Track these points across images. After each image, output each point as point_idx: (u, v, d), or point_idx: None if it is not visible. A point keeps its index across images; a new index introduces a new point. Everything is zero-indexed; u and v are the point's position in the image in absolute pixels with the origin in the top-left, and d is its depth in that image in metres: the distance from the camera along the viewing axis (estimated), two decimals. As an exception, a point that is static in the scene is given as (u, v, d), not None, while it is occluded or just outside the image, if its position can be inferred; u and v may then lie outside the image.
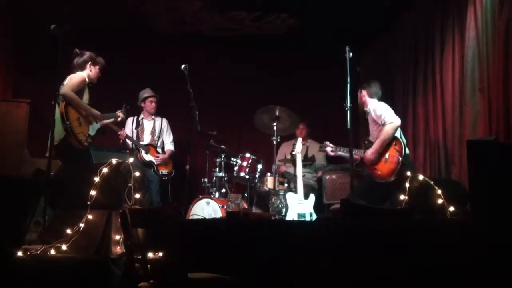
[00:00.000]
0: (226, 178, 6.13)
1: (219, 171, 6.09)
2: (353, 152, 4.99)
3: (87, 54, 4.91)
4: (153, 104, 6.55)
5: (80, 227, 3.63)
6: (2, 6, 6.23)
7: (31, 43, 6.75)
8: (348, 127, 4.70)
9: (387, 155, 4.81)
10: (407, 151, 4.91)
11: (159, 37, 7.26)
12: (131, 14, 6.68)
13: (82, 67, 4.85)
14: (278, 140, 5.79)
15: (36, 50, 6.64)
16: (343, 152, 5.24)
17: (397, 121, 4.81)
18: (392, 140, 4.83)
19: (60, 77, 4.51)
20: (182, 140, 6.82)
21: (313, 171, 6.57)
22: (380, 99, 5.16)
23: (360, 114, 5.25)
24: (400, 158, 4.69)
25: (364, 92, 5.14)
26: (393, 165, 4.72)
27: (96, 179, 3.78)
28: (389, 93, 5.36)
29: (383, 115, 4.85)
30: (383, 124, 4.82)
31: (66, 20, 4.43)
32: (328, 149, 5.27)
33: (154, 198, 6.11)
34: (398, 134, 4.87)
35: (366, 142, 5.04)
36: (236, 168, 5.99)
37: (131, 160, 4.09)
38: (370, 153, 4.88)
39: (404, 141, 4.96)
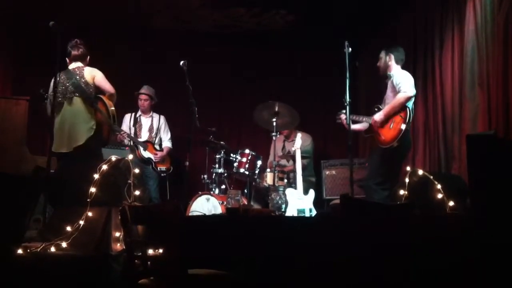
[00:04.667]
0: (225, 174, 6.13)
1: (219, 168, 6.09)
2: (363, 119, 5.08)
3: (86, 46, 4.86)
4: (143, 102, 6.50)
5: (80, 224, 3.64)
6: (1, 4, 6.21)
7: (30, 40, 6.74)
8: (348, 122, 4.71)
9: (392, 122, 4.81)
10: (411, 119, 4.88)
11: (158, 34, 7.25)
12: (130, 11, 6.66)
13: (84, 59, 4.81)
14: (278, 136, 5.78)
15: (35, 47, 6.63)
16: (358, 118, 5.20)
17: (410, 92, 4.76)
18: (401, 109, 4.81)
19: (58, 71, 4.45)
20: (181, 136, 6.81)
21: (311, 167, 6.55)
22: (403, 67, 5.12)
23: (381, 77, 5.19)
24: (404, 125, 4.67)
25: (392, 56, 5.05)
26: (396, 131, 4.71)
27: (96, 176, 3.78)
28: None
29: (401, 83, 4.81)
30: (398, 92, 4.82)
31: (65, 19, 4.43)
32: (343, 116, 5.22)
33: (153, 194, 6.12)
34: (410, 104, 4.82)
35: (376, 109, 5.03)
36: (235, 164, 5.99)
37: (130, 157, 4.09)
38: (377, 115, 4.90)
39: (412, 113, 4.91)
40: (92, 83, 4.67)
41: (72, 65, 4.77)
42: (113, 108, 4.74)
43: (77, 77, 4.65)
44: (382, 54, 5.12)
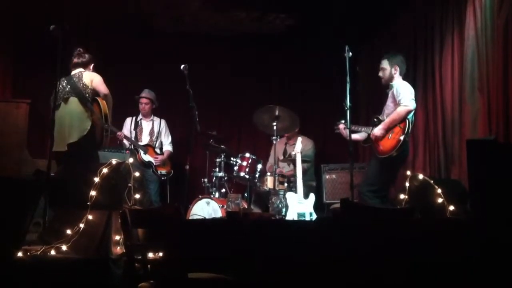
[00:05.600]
0: (226, 178, 6.13)
1: (219, 171, 6.09)
2: (362, 129, 5.10)
3: (89, 55, 4.97)
4: (144, 106, 6.53)
5: (80, 227, 3.63)
6: (1, 6, 6.22)
7: (31, 43, 6.75)
8: (348, 126, 4.72)
9: (391, 132, 4.82)
10: (410, 131, 4.86)
11: (158, 36, 7.26)
12: (131, 14, 6.68)
13: (86, 66, 4.91)
14: (278, 139, 5.78)
15: (35, 50, 6.64)
16: (357, 129, 5.20)
17: (411, 105, 4.76)
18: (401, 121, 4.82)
19: (60, 74, 4.52)
20: (181, 140, 6.82)
21: (312, 171, 6.55)
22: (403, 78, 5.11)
23: (383, 87, 5.17)
24: (403, 136, 4.68)
25: (397, 68, 5.00)
26: (395, 141, 4.72)
27: (96, 179, 3.78)
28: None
29: (401, 95, 4.80)
30: (399, 104, 4.81)
31: (66, 20, 4.45)
32: (341, 126, 5.22)
33: (153, 198, 6.12)
34: (410, 116, 4.82)
35: (375, 120, 5.02)
36: (236, 168, 5.99)
37: (131, 160, 4.09)
38: (377, 129, 4.89)
39: (412, 124, 4.90)
40: (90, 85, 4.75)
41: (74, 71, 4.86)
42: (106, 109, 4.79)
43: (76, 80, 4.74)
44: (386, 65, 5.04)
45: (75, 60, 4.89)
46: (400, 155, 4.77)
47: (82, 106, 4.69)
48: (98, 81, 4.79)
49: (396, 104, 4.84)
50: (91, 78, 4.77)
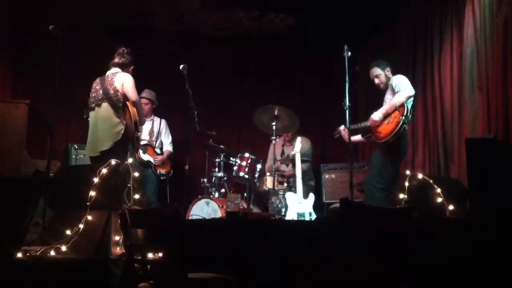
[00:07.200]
0: (225, 178, 6.12)
1: (218, 171, 6.08)
2: (360, 125, 5.15)
3: (131, 58, 4.86)
4: (143, 106, 6.45)
5: (80, 228, 3.63)
6: (1, 6, 6.22)
7: (30, 43, 6.74)
8: (347, 126, 4.72)
9: (390, 117, 4.84)
10: (409, 116, 4.88)
11: (158, 36, 7.25)
12: (130, 13, 6.67)
13: (124, 68, 4.80)
14: (277, 139, 5.77)
15: (35, 50, 6.63)
16: (357, 126, 5.22)
17: (410, 91, 4.82)
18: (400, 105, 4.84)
19: (59, 76, 4.48)
20: (181, 140, 6.81)
21: (310, 170, 6.54)
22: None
23: (381, 92, 5.26)
24: (402, 118, 4.70)
25: (389, 69, 5.15)
26: (394, 125, 4.75)
27: (96, 179, 3.78)
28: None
29: (399, 84, 4.88)
30: (398, 91, 4.86)
31: (65, 19, 4.44)
32: (342, 128, 5.24)
33: (152, 198, 6.10)
34: (409, 104, 4.86)
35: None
36: (235, 168, 5.98)
37: (130, 160, 4.08)
38: (375, 114, 4.93)
39: (410, 113, 4.92)
40: (121, 89, 4.65)
41: (110, 71, 4.77)
42: (136, 115, 4.72)
43: (108, 84, 4.66)
44: (379, 71, 5.15)
45: (116, 59, 4.79)
46: (400, 140, 4.78)
47: (114, 111, 4.61)
48: (129, 86, 4.66)
49: (395, 93, 4.88)
50: (122, 82, 4.65)
